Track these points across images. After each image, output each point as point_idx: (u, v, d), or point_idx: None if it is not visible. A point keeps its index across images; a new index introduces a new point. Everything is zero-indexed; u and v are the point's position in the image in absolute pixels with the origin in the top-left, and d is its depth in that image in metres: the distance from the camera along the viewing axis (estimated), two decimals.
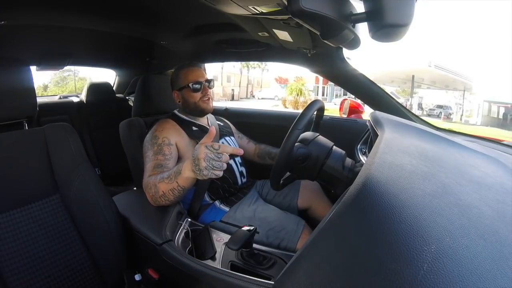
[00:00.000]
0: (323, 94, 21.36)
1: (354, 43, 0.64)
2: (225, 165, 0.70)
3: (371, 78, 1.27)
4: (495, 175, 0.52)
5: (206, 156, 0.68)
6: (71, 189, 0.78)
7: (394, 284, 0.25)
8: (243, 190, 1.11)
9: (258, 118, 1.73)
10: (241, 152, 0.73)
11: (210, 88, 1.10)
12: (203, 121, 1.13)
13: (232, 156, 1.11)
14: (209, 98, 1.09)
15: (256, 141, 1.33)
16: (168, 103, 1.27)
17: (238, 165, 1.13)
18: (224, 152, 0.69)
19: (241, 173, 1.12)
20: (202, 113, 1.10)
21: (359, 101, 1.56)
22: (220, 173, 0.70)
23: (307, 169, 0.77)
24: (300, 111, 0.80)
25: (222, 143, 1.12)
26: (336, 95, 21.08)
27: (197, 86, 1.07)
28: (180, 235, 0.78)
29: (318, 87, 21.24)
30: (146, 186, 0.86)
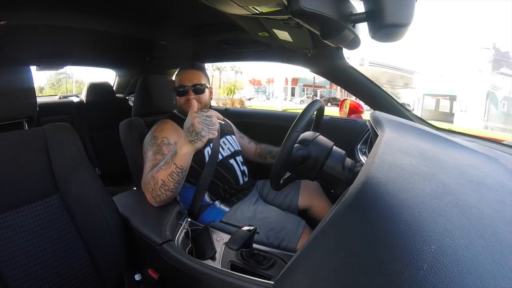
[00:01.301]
0: (292, 95, 22.50)
1: (354, 43, 0.64)
2: (217, 125, 0.78)
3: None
4: (495, 175, 0.52)
5: (199, 119, 0.76)
6: (71, 189, 0.78)
7: (394, 284, 0.25)
8: (243, 191, 1.11)
9: (258, 118, 1.73)
10: (221, 117, 0.81)
11: (196, 93, 1.05)
12: None
13: (233, 155, 1.12)
14: (193, 104, 1.06)
15: (257, 141, 1.33)
16: (168, 103, 1.27)
17: (240, 164, 1.13)
18: (212, 115, 0.78)
19: (243, 172, 1.12)
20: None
21: (359, 101, 1.56)
22: (216, 133, 0.78)
23: (307, 170, 0.77)
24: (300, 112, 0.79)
25: (223, 142, 1.12)
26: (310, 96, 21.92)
27: (180, 89, 1.06)
28: (180, 235, 0.78)
29: (287, 87, 22.22)
30: (144, 183, 0.85)
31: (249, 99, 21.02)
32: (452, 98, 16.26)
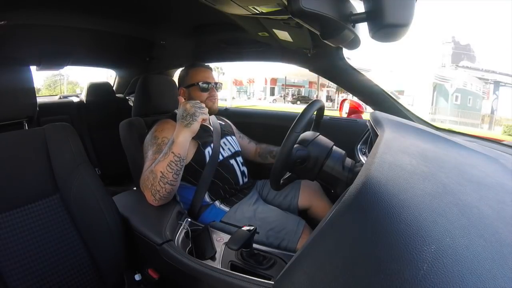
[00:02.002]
0: (272, 94, 23.28)
1: (354, 43, 0.64)
2: (206, 109, 0.89)
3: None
4: (495, 175, 0.52)
5: (190, 104, 0.86)
6: (71, 189, 0.78)
7: (394, 284, 0.25)
8: (243, 191, 1.11)
9: (258, 118, 1.73)
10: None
11: (217, 90, 1.13)
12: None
13: (234, 156, 1.12)
14: (215, 99, 1.11)
15: (257, 141, 1.33)
16: (168, 103, 1.27)
17: (240, 164, 1.13)
18: (199, 101, 0.91)
19: (242, 172, 1.12)
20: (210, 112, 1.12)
21: (359, 101, 1.56)
22: (207, 113, 0.89)
23: (307, 169, 0.77)
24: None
25: (224, 143, 1.12)
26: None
27: (205, 85, 1.09)
28: (180, 235, 0.78)
29: (266, 87, 23.29)
30: (143, 180, 0.86)
31: (225, 100, 21.56)
32: (400, 93, 16.59)
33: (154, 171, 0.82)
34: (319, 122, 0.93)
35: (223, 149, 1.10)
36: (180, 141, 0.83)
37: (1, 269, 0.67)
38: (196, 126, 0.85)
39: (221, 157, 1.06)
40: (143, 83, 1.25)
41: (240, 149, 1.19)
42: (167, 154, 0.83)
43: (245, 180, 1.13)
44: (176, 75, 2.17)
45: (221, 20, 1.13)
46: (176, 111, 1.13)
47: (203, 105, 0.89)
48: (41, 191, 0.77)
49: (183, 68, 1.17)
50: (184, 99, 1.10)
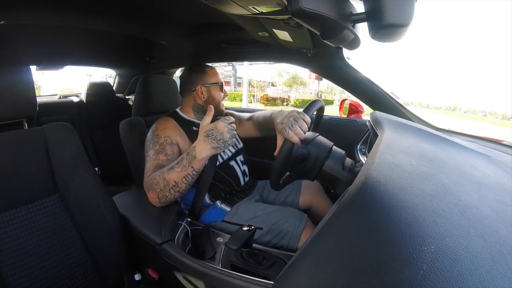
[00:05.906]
0: None
1: (354, 43, 0.64)
2: (235, 132, 0.84)
3: None
4: (495, 175, 0.52)
5: (227, 128, 0.80)
6: (71, 189, 0.78)
7: (393, 284, 0.25)
8: (245, 191, 1.11)
9: None
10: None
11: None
12: None
13: (234, 157, 1.12)
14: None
15: (256, 141, 1.31)
16: (168, 102, 1.27)
17: (240, 164, 1.12)
18: (232, 122, 0.83)
19: (243, 172, 1.12)
20: (220, 113, 1.11)
21: (359, 101, 1.56)
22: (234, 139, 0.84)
23: (306, 169, 0.77)
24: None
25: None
26: None
27: (221, 85, 1.11)
28: (180, 235, 0.78)
29: None
30: (151, 183, 0.84)
31: None
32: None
33: (167, 180, 0.81)
34: (319, 122, 0.93)
35: (223, 151, 1.10)
36: (202, 158, 0.81)
37: (1, 268, 0.67)
38: (223, 149, 0.82)
39: (220, 160, 1.06)
40: (143, 83, 1.25)
41: (241, 146, 1.19)
42: (185, 167, 0.81)
43: (247, 179, 1.13)
44: (177, 74, 2.17)
45: (221, 20, 1.13)
46: (178, 110, 1.12)
47: (235, 126, 0.84)
48: (41, 190, 0.77)
49: (197, 65, 1.13)
50: (202, 97, 1.08)
